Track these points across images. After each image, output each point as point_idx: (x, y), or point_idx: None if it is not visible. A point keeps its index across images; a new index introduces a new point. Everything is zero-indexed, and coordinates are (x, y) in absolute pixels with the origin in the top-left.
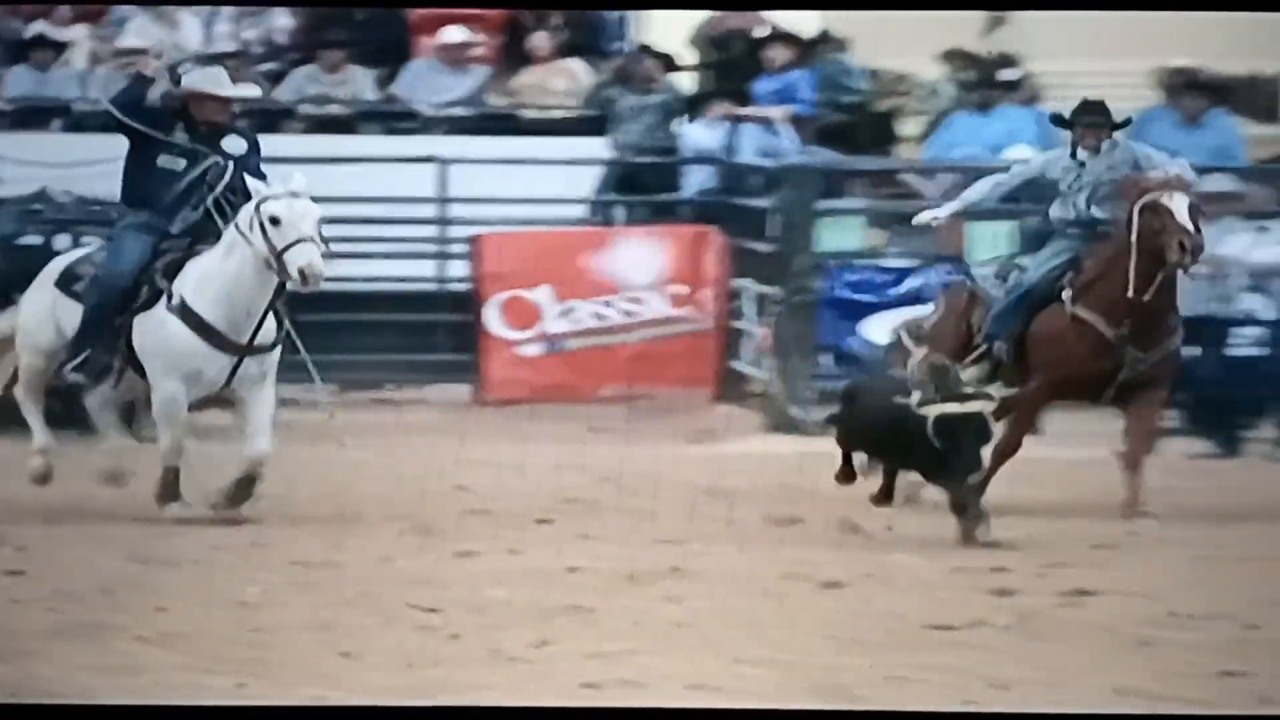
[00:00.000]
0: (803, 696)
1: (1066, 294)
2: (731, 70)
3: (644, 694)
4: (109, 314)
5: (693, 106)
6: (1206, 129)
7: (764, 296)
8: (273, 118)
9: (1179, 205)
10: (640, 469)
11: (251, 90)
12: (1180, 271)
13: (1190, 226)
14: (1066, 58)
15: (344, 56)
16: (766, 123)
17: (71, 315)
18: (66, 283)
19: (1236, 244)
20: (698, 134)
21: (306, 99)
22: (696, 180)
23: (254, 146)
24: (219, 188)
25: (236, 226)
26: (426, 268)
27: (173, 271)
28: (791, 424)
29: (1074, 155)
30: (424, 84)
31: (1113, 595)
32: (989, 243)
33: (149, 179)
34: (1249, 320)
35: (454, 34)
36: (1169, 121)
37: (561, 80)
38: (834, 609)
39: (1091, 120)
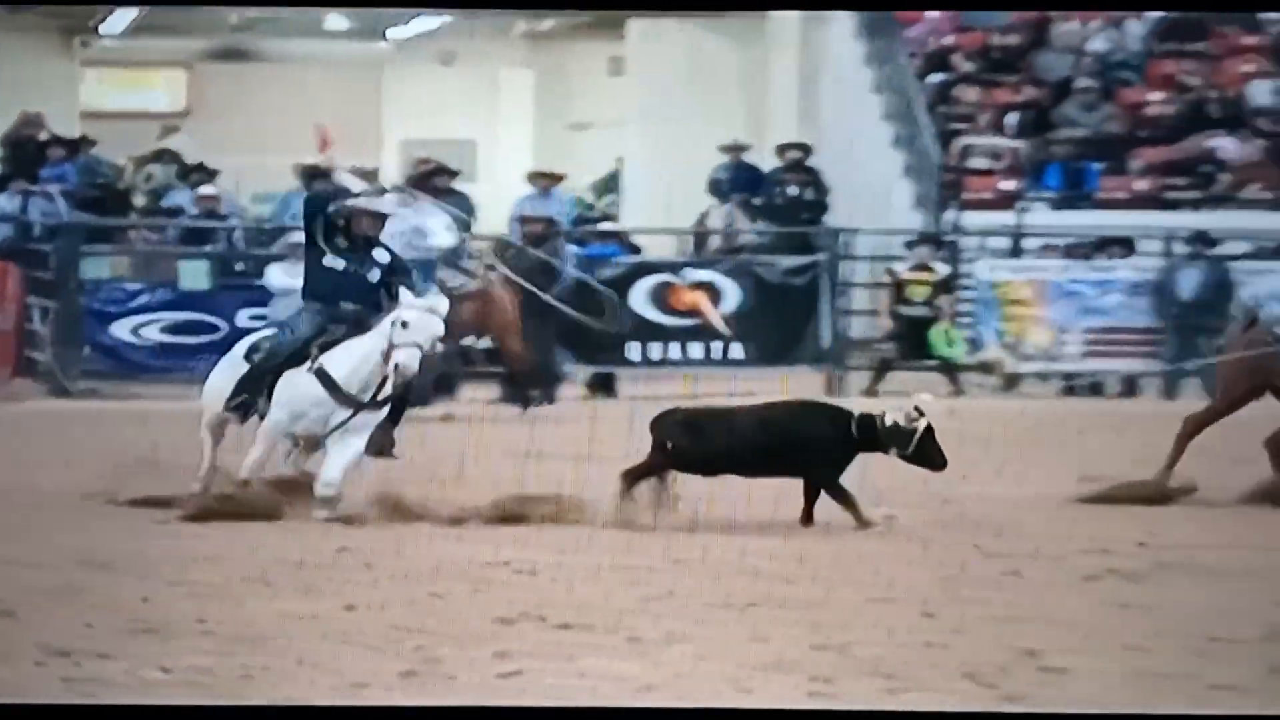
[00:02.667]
0: None
1: None
2: (24, 160)
3: None
4: (266, 371)
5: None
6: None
7: (47, 308)
8: None
9: None
10: None
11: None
12: None
13: None
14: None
15: None
16: (48, 196)
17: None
18: (250, 353)
19: None
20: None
21: None
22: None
23: (395, 259)
24: (375, 287)
25: (378, 325)
26: None
27: (327, 347)
28: (64, 390)
29: None
30: None
31: None
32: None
33: (315, 274)
34: None
35: None
36: None
37: None
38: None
39: None
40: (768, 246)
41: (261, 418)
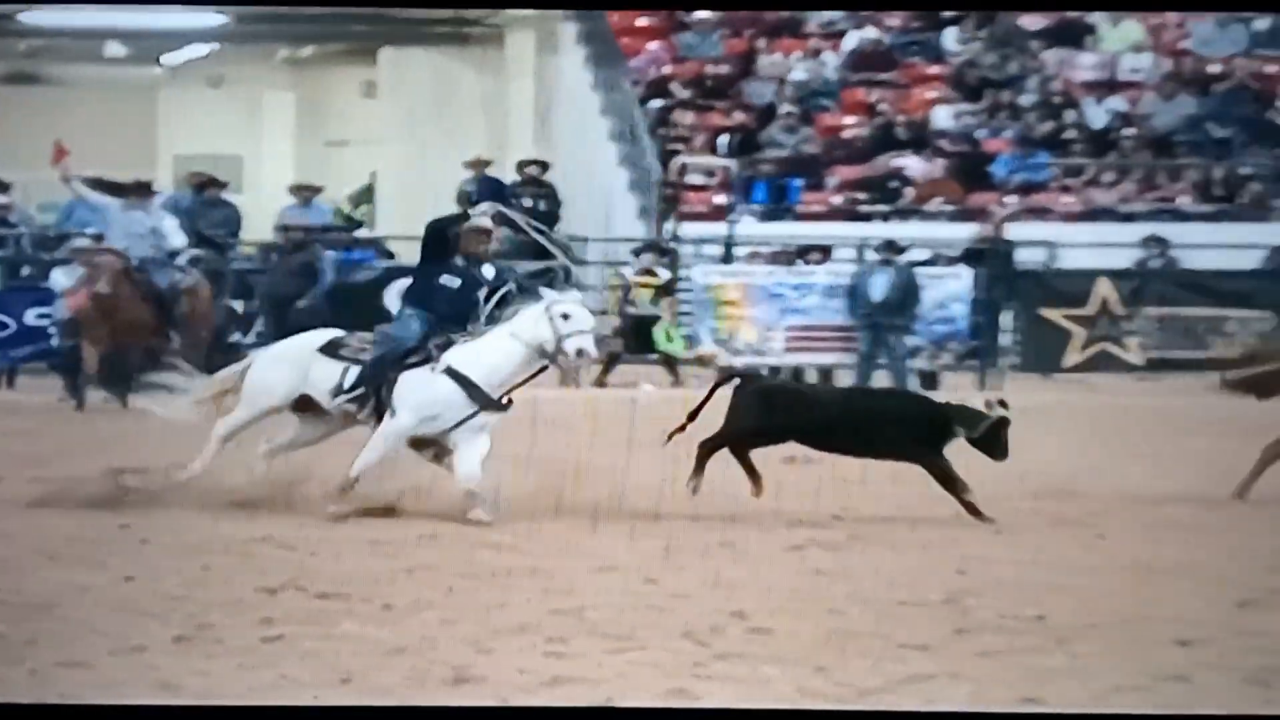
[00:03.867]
0: None
1: None
2: None
3: None
4: (385, 368)
5: None
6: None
7: None
8: None
9: None
10: None
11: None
12: None
13: None
14: None
15: None
16: None
17: (328, 371)
18: (333, 350)
19: None
20: None
21: None
22: None
23: (499, 274)
24: (484, 301)
25: (509, 325)
26: None
27: (443, 349)
28: None
29: None
30: None
31: None
32: None
33: (428, 286)
34: None
35: None
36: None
37: None
38: None
39: None
40: (508, 252)
41: (378, 414)
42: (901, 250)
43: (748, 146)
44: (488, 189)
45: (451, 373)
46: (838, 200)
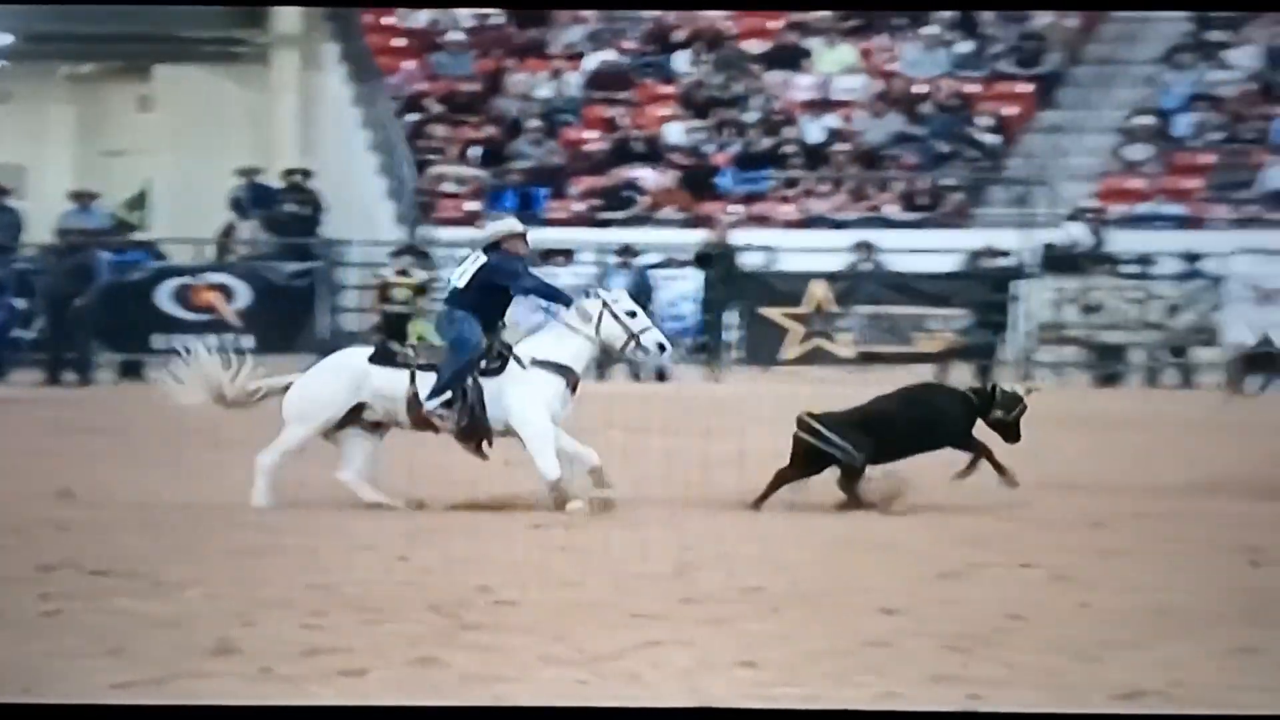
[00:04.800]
0: None
1: None
2: None
3: None
4: (465, 371)
5: None
6: None
7: None
8: None
9: None
10: None
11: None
12: None
13: None
14: None
15: None
16: None
17: (392, 378)
18: (387, 358)
19: None
20: None
21: None
22: None
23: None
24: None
25: (569, 319)
26: None
27: (509, 348)
28: None
29: None
30: None
31: None
32: None
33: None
34: None
35: None
36: None
37: None
38: None
39: None
40: (274, 254)
41: (470, 417)
42: (637, 254)
43: (497, 158)
44: (256, 196)
45: (548, 365)
46: (579, 207)
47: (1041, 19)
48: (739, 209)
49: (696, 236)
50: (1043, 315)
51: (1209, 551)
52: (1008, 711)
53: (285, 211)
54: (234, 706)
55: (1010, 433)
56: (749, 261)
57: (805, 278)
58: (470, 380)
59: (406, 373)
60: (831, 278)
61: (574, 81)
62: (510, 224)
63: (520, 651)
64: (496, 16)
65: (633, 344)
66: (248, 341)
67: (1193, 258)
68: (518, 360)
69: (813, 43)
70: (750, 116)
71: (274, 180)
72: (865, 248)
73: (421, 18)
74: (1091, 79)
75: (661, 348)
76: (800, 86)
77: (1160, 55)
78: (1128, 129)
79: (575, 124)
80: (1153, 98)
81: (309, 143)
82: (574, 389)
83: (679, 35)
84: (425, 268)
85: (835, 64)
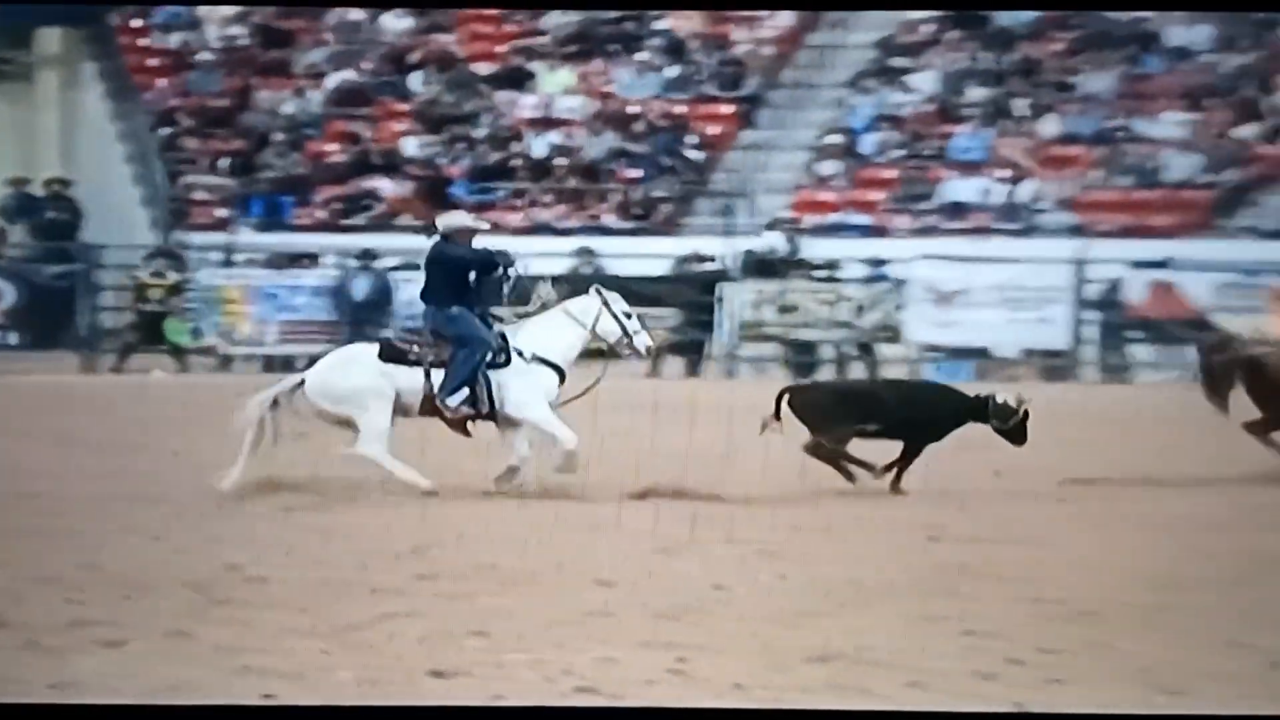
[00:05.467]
0: None
1: None
2: None
3: None
4: (479, 368)
5: None
6: None
7: None
8: None
9: None
10: None
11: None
12: None
13: None
14: None
15: None
16: None
17: (409, 375)
18: (396, 356)
19: None
20: None
21: None
22: None
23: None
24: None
25: (566, 313)
26: None
27: (507, 340)
28: None
29: None
30: None
31: None
32: None
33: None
34: None
35: None
36: None
37: None
38: None
39: None
40: (38, 257)
41: (490, 409)
42: (377, 257)
43: (245, 168)
44: (23, 204)
45: (543, 361)
46: (323, 215)
47: (742, 47)
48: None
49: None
50: (744, 315)
51: (893, 529)
52: (1008, 711)
53: (47, 218)
54: (234, 706)
55: (1016, 437)
56: None
57: (532, 280)
58: (481, 375)
59: (421, 370)
60: (556, 280)
61: (316, 99)
62: (460, 218)
63: (268, 625)
64: (243, 39)
65: (626, 342)
66: (13, 339)
67: (878, 263)
68: (519, 354)
69: (536, 66)
70: (480, 132)
71: (38, 189)
72: (586, 253)
73: (173, 40)
74: (787, 101)
75: (648, 350)
76: (525, 105)
77: (847, 80)
78: (819, 147)
79: (318, 138)
80: (841, 118)
81: (70, 154)
82: (563, 381)
83: (414, 57)
84: (178, 269)
85: (556, 85)
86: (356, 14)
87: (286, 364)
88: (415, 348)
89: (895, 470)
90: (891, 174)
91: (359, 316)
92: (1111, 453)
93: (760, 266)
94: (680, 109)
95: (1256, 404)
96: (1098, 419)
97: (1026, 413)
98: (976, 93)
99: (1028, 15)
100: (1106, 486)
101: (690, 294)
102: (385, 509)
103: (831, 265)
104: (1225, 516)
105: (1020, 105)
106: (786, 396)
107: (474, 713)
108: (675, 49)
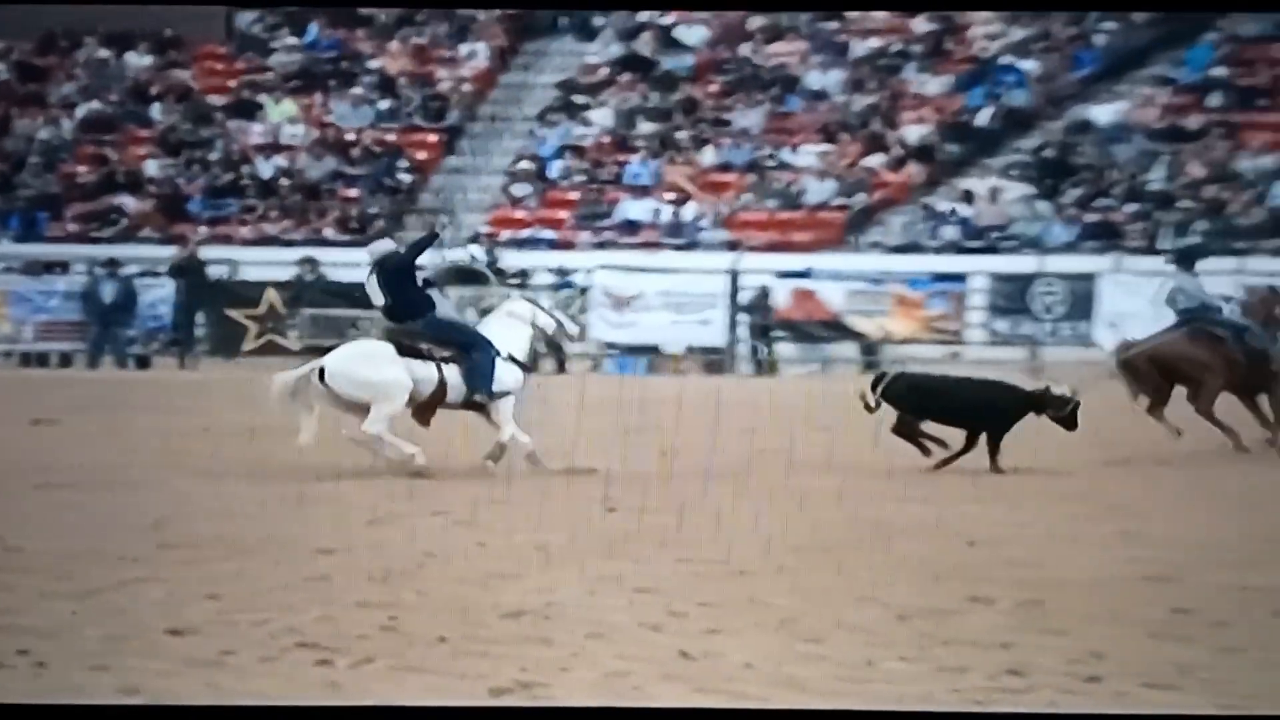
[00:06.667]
0: None
1: None
2: None
3: None
4: (494, 359)
5: None
6: None
7: None
8: None
9: None
10: None
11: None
12: None
13: None
14: None
15: None
16: None
17: (425, 370)
18: (411, 354)
19: None
20: None
21: None
22: None
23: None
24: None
25: (511, 314)
26: None
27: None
28: None
29: None
30: None
31: None
32: None
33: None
34: None
35: None
36: None
37: None
38: None
39: None
40: None
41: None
42: (121, 265)
43: (5, 187)
44: None
45: (517, 361)
46: (74, 228)
47: (445, 84)
48: (206, 230)
49: (171, 252)
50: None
51: (575, 500)
52: (1009, 711)
53: None
54: (234, 706)
55: (1069, 424)
56: (215, 272)
57: (261, 286)
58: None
59: (434, 365)
60: (282, 286)
61: (68, 126)
62: (386, 244)
63: (22, 589)
64: (2, 74)
65: (562, 330)
66: None
67: (564, 272)
68: (497, 353)
69: (263, 98)
70: (214, 155)
71: None
72: (309, 262)
73: None
74: (484, 131)
75: (580, 333)
76: (254, 132)
77: (536, 114)
78: (513, 171)
79: (69, 160)
80: (531, 147)
81: None
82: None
83: (155, 89)
84: None
85: (281, 115)
86: (104, 52)
87: (41, 360)
88: (425, 347)
89: (989, 454)
90: (575, 195)
91: (106, 318)
92: (762, 436)
93: (463, 275)
94: (391, 137)
95: (1148, 392)
96: (750, 406)
97: (1077, 403)
98: (646, 127)
99: (688, 60)
100: (759, 463)
101: None
102: (135, 489)
103: (524, 274)
104: (856, 490)
105: (683, 138)
106: (881, 385)
107: (471, 713)
108: (387, 84)
